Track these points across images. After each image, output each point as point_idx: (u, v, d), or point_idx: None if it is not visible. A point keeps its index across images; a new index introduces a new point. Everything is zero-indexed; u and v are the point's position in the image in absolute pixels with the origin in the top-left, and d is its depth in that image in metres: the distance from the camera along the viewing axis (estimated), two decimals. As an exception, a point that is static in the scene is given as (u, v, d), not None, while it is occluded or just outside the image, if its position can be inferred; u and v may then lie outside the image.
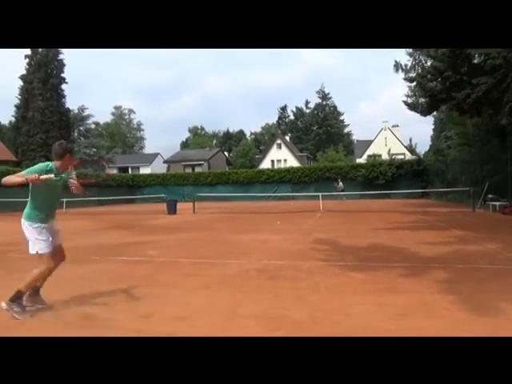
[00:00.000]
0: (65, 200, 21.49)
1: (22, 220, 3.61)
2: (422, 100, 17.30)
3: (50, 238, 3.64)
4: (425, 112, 17.75)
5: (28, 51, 33.43)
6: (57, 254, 3.74)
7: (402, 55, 18.60)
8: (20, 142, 32.69)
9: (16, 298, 3.50)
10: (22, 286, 3.53)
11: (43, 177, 3.38)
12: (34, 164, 3.74)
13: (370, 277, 4.74)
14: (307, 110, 78.34)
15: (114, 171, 43.95)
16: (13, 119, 35.44)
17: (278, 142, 57.30)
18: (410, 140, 60.53)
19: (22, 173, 3.47)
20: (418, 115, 18.34)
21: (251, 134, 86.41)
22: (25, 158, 32.02)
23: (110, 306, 3.77)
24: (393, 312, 3.40)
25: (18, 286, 3.51)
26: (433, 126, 47.45)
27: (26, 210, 3.62)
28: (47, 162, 3.61)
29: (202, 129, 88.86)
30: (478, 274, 4.77)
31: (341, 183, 28.32)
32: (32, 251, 3.57)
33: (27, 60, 33.53)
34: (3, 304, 3.47)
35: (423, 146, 64.99)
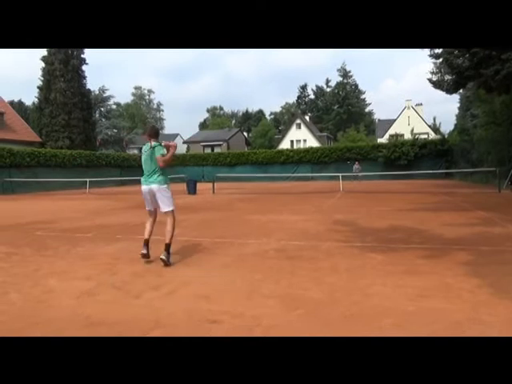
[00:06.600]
0: (88, 180, 22.02)
1: (163, 186, 4.58)
2: (447, 77, 16.63)
3: None
4: (451, 90, 17.06)
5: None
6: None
7: (428, 30, 17.75)
8: (44, 123, 33.26)
9: (168, 250, 4.51)
10: (169, 240, 4.54)
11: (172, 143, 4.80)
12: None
13: (389, 258, 4.70)
14: (328, 89, 76.89)
15: (135, 151, 44.48)
16: (36, 100, 35.97)
17: (298, 121, 56.61)
18: (434, 119, 58.79)
19: (163, 153, 4.56)
20: (443, 93, 17.71)
21: (271, 113, 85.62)
22: (48, 139, 32.71)
23: (131, 284, 3.88)
24: (412, 293, 3.38)
25: (166, 242, 4.51)
26: (458, 105, 45.69)
27: (164, 177, 4.61)
28: (155, 143, 4.61)
29: (221, 109, 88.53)
30: (503, 256, 4.67)
31: (357, 166, 28.28)
32: (170, 208, 4.62)
33: (48, 41, 33.72)
34: (163, 256, 4.45)
35: (448, 125, 63.01)
